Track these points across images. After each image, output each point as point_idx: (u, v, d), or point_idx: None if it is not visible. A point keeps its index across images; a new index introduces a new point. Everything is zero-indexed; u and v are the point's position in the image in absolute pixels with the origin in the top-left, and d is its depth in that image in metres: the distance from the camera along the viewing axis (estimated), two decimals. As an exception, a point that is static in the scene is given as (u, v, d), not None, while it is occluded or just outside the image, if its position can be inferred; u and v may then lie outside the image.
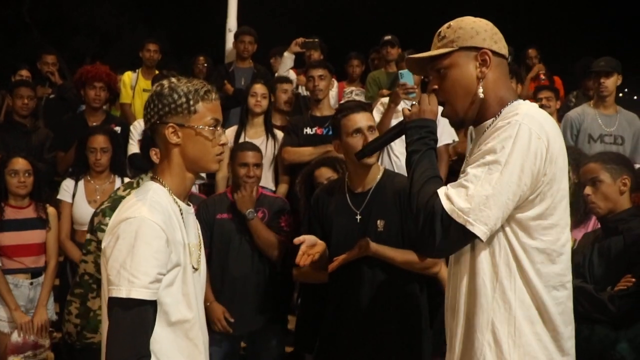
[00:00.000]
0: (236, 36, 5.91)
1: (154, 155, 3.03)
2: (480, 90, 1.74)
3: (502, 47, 1.79)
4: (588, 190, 2.68)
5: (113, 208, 2.87)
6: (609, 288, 2.55)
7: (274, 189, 4.27)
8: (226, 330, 3.31)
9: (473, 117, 1.80)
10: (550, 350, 1.68)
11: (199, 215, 3.38)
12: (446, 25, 1.82)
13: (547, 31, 14.58)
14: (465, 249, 1.73)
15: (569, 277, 1.74)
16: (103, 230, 2.84)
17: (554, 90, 4.99)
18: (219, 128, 1.82)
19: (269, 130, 4.50)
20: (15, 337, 3.52)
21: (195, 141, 1.78)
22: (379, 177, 2.69)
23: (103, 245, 1.72)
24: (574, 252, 2.77)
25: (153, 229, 1.66)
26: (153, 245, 1.66)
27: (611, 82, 4.41)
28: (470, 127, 2.08)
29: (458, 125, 1.86)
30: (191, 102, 1.76)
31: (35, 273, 3.72)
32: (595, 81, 4.50)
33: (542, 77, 6.24)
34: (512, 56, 4.74)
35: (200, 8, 13.35)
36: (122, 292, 1.63)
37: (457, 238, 1.61)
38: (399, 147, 4.06)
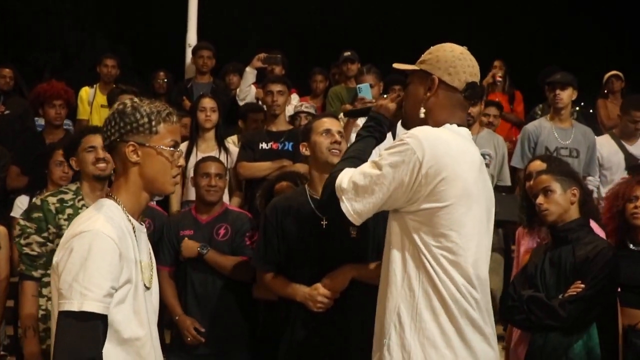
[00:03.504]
0: (194, 51, 5.90)
1: (73, 163, 3.03)
2: (422, 111, 2.02)
3: (456, 80, 2.00)
4: (540, 199, 2.78)
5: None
6: (560, 296, 2.62)
7: (227, 202, 4.23)
8: (198, 340, 3.23)
9: (413, 126, 2.03)
10: (451, 337, 1.85)
11: (163, 234, 3.37)
12: (433, 46, 2.09)
13: (515, 45, 14.91)
14: (386, 245, 2.04)
15: (476, 291, 1.89)
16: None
17: (499, 106, 5.32)
18: (177, 150, 1.86)
19: (220, 144, 4.49)
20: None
21: (154, 161, 1.82)
22: None
23: (55, 260, 1.71)
24: (527, 265, 2.85)
25: (107, 242, 1.67)
26: (106, 258, 1.66)
27: (566, 95, 4.55)
28: None
29: (405, 126, 2.17)
30: (153, 123, 1.81)
31: (-17, 295, 3.52)
32: (551, 92, 4.63)
33: (498, 78, 6.36)
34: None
35: (162, 23, 13.25)
36: (74, 305, 1.61)
37: (335, 208, 1.99)
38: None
